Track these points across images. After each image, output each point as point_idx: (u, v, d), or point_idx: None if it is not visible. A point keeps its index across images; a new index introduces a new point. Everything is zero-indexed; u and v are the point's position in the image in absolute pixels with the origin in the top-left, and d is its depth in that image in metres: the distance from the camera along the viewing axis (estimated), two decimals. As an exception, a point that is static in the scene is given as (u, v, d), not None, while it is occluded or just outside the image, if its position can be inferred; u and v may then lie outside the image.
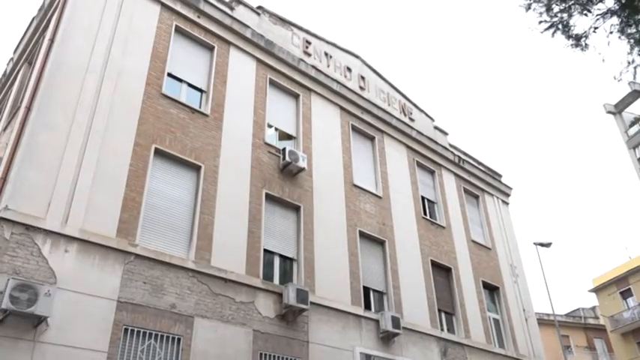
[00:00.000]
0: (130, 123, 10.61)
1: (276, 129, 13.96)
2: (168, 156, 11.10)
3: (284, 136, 14.11)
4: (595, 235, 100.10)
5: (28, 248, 8.39)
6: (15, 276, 7.97)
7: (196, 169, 11.45)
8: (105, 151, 9.97)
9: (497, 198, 20.84)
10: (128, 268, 9.39)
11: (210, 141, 11.94)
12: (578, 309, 41.16)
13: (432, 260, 16.00)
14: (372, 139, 16.65)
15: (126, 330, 8.97)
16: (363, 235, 14.34)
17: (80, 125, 9.81)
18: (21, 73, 12.96)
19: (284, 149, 13.04)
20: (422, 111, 19.45)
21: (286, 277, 12.13)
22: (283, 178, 13.04)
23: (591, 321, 38.53)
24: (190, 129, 11.64)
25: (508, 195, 21.55)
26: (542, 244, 23.05)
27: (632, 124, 32.44)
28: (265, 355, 10.64)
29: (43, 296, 7.86)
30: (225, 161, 11.96)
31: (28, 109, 9.46)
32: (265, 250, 11.89)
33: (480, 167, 20.72)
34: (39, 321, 7.94)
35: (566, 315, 39.28)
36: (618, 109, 33.82)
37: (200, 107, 12.26)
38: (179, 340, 9.54)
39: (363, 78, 17.43)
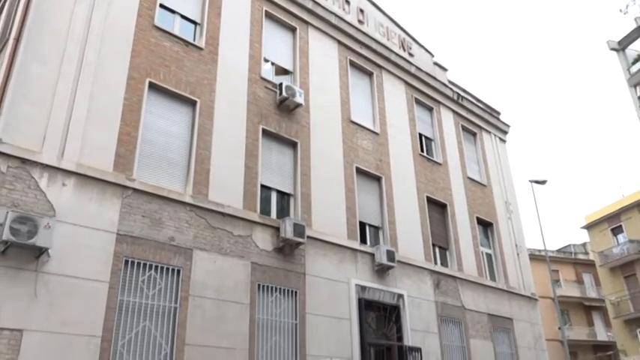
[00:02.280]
0: (122, 55, 10.37)
1: (272, 64, 13.68)
2: (163, 90, 10.93)
3: (281, 71, 13.86)
4: (590, 174, 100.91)
5: (26, 181, 8.41)
6: (14, 209, 8.04)
7: (192, 103, 11.31)
8: (98, 84, 9.81)
9: (495, 135, 20.81)
10: (126, 202, 9.47)
11: (206, 75, 11.73)
12: (569, 245, 42.17)
13: (427, 196, 16.18)
14: (370, 74, 16.38)
15: (126, 261, 9.17)
16: (359, 171, 14.41)
17: (71, 57, 9.59)
18: (8, 2, 12.50)
19: (281, 84, 12.85)
20: (421, 46, 19.04)
21: (283, 212, 12.28)
22: (280, 113, 12.92)
23: (581, 256, 39.58)
24: (185, 63, 11.40)
25: (506, 132, 21.51)
26: (537, 182, 23.25)
27: (635, 61, 31.90)
28: (263, 286, 10.95)
29: (42, 228, 7.96)
30: (221, 96, 11.81)
31: (17, 40, 9.19)
32: (262, 186, 11.96)
33: (479, 104, 20.54)
34: (40, 252, 8.09)
35: (557, 251, 40.28)
36: (622, 45, 33.13)
37: (194, 40, 11.96)
38: (179, 271, 9.78)
39: (362, 11, 16.93)
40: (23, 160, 8.47)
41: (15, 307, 7.73)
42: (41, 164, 8.62)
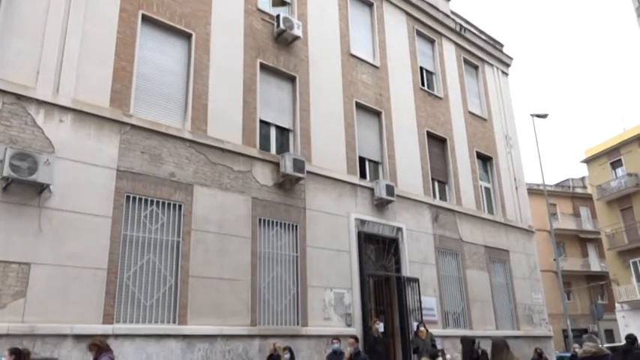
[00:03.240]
0: (113, -14, 10.00)
1: (269, -6, 13.22)
2: (157, 23, 10.63)
3: (278, 2, 13.40)
4: (592, 107, 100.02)
5: (22, 118, 8.35)
6: (12, 145, 8.03)
7: (187, 37, 11.03)
8: (89, 17, 9.52)
9: (497, 69, 20.43)
10: (125, 138, 9.44)
11: (200, 7, 11.36)
12: (567, 179, 42.46)
13: (427, 131, 16.10)
14: (370, 5, 15.86)
15: (128, 197, 9.27)
16: (359, 106, 14.26)
17: (60, -12, 9.25)
18: None
19: (278, 16, 12.47)
20: (424, -26, 18.30)
21: (283, 147, 12.27)
22: (278, 47, 12.63)
23: (579, 190, 39.95)
24: (178, -7, 11.01)
25: (508, 65, 21.11)
26: (538, 116, 23.08)
27: (645, -11, 30.76)
28: (264, 220, 11.12)
29: (42, 165, 7.99)
30: (217, 29, 11.49)
31: (3, -30, 8.83)
32: (261, 121, 11.88)
33: (481, 36, 20.03)
34: (42, 188, 8.15)
35: (556, 185, 40.59)
36: (632, -27, 31.81)
37: (187, -31, 11.48)
38: (180, 206, 9.90)
39: (361, -64, 16.14)
40: (18, 96, 8.37)
41: (21, 242, 7.90)
42: (37, 100, 8.53)
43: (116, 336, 8.43)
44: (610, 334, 32.73)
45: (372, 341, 11.57)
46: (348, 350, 8.64)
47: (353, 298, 12.15)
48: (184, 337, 9.17)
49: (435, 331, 13.25)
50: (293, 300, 11.16)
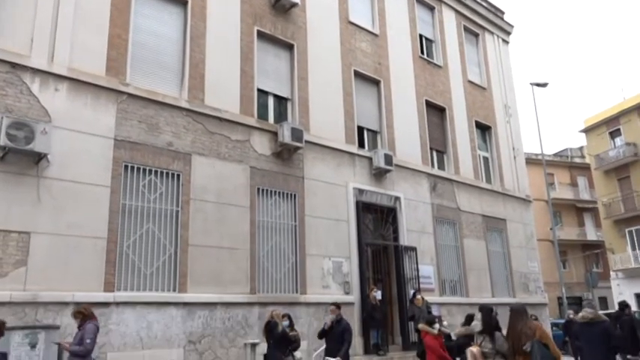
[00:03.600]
0: (106, -49, 9.76)
1: (265, -41, 12.92)
2: (152, -11, 10.42)
3: (275, -32, 13.11)
4: (593, 76, 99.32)
5: (17, 87, 8.26)
6: (8, 114, 7.96)
7: (183, 3, 10.84)
8: (83, -17, 9.32)
9: (498, 37, 20.17)
10: (121, 107, 9.37)
11: (196, -28, 11.12)
12: (566, 149, 42.45)
13: (426, 100, 16.00)
14: (369, -30, 15.53)
15: (126, 166, 9.25)
16: (358, 74, 14.12)
17: (52, -47, 9.02)
18: None
19: (275, -18, 12.22)
20: (424, -61, 17.89)
21: (281, 116, 12.19)
22: (275, 13, 12.42)
23: (577, 160, 39.99)
24: (173, -42, 10.76)
25: (509, 34, 20.83)
26: (538, 85, 22.91)
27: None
28: (263, 189, 11.14)
29: (39, 134, 7.94)
30: (213, -5, 11.27)
31: None
32: (259, 90, 11.78)
33: (482, 3, 19.69)
34: (39, 158, 8.13)
35: (554, 154, 40.62)
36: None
37: None
38: (178, 175, 9.90)
39: None
40: (13, 65, 8.26)
41: (21, 211, 7.91)
42: (32, 69, 8.42)
43: (117, 304, 8.54)
44: (604, 302, 33.28)
45: (370, 308, 11.75)
46: (329, 318, 8.41)
47: (351, 267, 12.28)
48: (185, 304, 9.29)
49: (432, 298, 13.46)
50: (292, 268, 11.27)
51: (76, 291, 8.13)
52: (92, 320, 6.56)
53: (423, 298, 11.91)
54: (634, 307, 27.73)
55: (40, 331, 7.29)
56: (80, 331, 6.51)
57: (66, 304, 8.01)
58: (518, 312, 5.69)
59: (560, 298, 24.61)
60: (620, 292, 29.19)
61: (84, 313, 6.57)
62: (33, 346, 7.16)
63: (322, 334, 8.38)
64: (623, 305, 11.92)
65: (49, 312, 7.81)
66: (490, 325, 5.87)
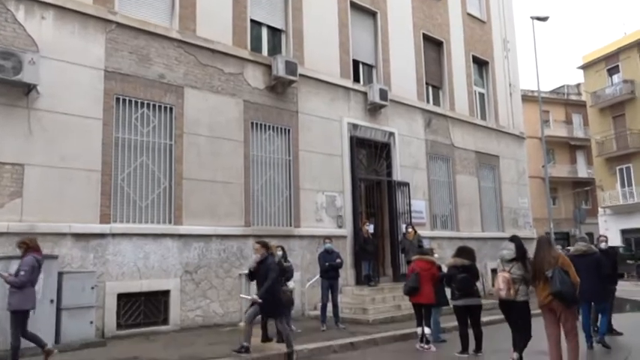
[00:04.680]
0: None
1: None
2: None
3: None
4: (595, 10, 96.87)
5: (2, 14, 7.98)
6: (-6, 43, 7.75)
7: None
8: None
9: (499, -33, 19.43)
10: (111, 37, 9.11)
11: None
12: (562, 86, 41.98)
13: (423, 33, 15.63)
14: None
15: (117, 99, 9.12)
16: (353, 5, 13.70)
17: None
18: None
19: None
20: None
21: (275, 49, 11.92)
22: (268, -61, 11.86)
23: (573, 97, 39.70)
24: None
25: (511, -37, 20.06)
26: (538, 18, 22.32)
27: None
28: (256, 124, 11.07)
29: (27, 64, 7.76)
30: None
31: None
32: (252, 21, 11.45)
33: None
34: (29, 89, 7.99)
35: (551, 91, 40.24)
36: None
37: None
38: (171, 109, 9.79)
39: None
40: (-5, -9, 7.95)
41: (13, 143, 7.87)
42: (15, -5, 8.11)
43: (114, 235, 8.69)
44: (590, 237, 34.10)
45: (362, 242, 12.01)
46: (253, 258, 7.58)
47: (344, 201, 12.43)
48: (180, 236, 9.46)
49: (424, 232, 13.74)
50: (286, 202, 11.41)
51: (73, 222, 8.24)
52: (34, 253, 6.40)
53: (415, 232, 12.17)
54: (618, 242, 28.56)
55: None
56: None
57: (63, 235, 8.14)
58: (544, 242, 6.15)
59: (547, 234, 25.20)
60: (607, 227, 29.83)
61: (28, 245, 6.41)
62: (33, 274, 7.30)
63: (251, 276, 7.51)
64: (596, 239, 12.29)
65: (47, 242, 7.93)
66: (523, 254, 6.29)
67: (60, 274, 7.67)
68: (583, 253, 7.39)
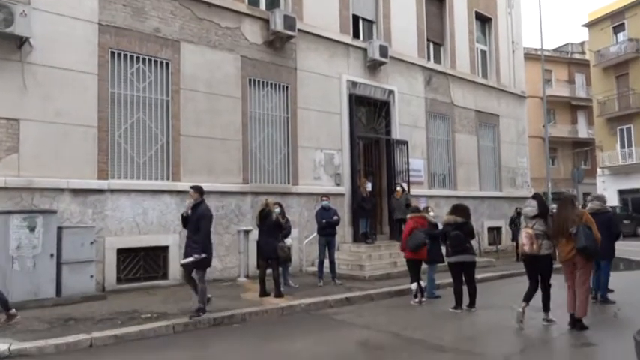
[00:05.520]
0: None
1: None
2: None
3: None
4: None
5: (-9, -36, 7.74)
6: (-16, -6, 7.55)
7: None
8: None
9: None
10: (104, -11, 8.88)
11: None
12: (566, 44, 41.26)
13: (426, -12, 15.25)
14: None
15: (112, 53, 8.97)
16: (354, -42, 13.30)
17: None
18: None
19: None
20: None
21: (273, 3, 11.65)
22: None
23: (577, 56, 39.08)
24: None
25: None
26: (544, -26, 21.72)
27: None
28: (254, 80, 10.93)
29: (19, 16, 7.59)
30: None
31: None
32: (249, -27, 11.15)
33: None
34: (21, 42, 7.84)
35: (554, 50, 39.58)
36: None
37: None
38: (167, 64, 9.64)
39: None
40: (-17, -61, 7.68)
41: (7, 98, 7.78)
42: (4, -57, 7.84)
43: (112, 191, 8.72)
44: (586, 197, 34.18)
45: (360, 200, 12.07)
46: (187, 203, 7.16)
47: (343, 159, 12.42)
48: (178, 192, 9.48)
49: (421, 191, 13.83)
50: (284, 160, 11.39)
51: (71, 178, 8.26)
52: None
53: (403, 191, 12.22)
54: (616, 203, 28.74)
55: (38, 216, 7.48)
56: None
57: (61, 190, 8.17)
58: (567, 201, 6.49)
59: (545, 193, 25.31)
60: (604, 188, 29.95)
61: None
62: (32, 229, 7.37)
63: (184, 222, 7.02)
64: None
65: (45, 198, 7.98)
66: (545, 211, 6.47)
67: (59, 229, 7.73)
68: (597, 211, 7.62)
